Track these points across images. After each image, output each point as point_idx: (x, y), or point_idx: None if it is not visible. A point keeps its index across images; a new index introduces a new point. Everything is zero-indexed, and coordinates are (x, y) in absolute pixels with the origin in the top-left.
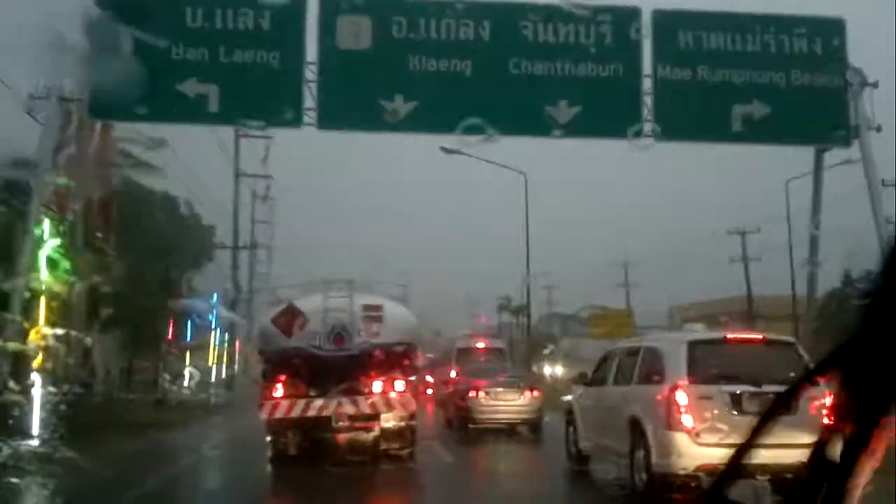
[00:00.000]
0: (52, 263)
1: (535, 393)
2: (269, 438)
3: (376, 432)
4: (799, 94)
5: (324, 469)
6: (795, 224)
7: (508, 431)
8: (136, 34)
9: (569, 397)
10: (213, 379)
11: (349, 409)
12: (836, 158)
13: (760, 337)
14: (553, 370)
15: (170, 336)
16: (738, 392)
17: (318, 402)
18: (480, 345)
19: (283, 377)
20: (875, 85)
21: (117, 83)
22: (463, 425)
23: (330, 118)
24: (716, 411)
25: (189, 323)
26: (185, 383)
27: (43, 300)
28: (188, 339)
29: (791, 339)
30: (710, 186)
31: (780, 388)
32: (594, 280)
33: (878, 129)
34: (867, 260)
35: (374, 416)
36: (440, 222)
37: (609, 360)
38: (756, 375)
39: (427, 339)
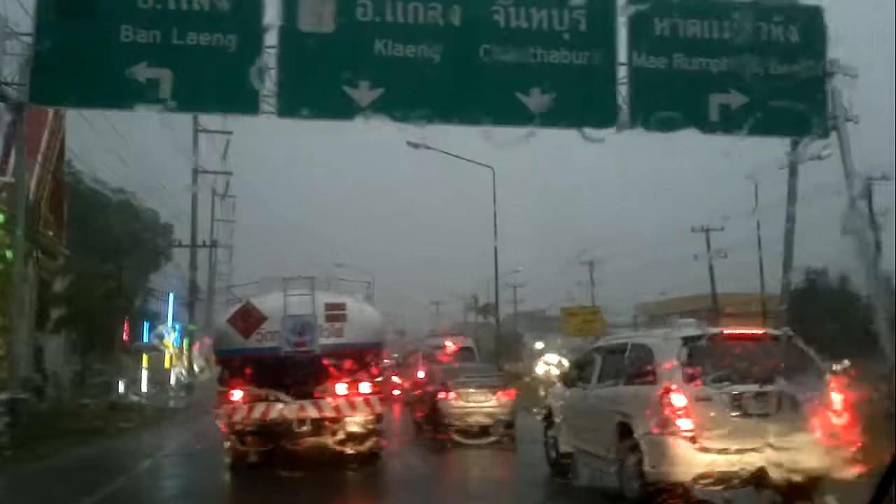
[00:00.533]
0: None
1: (508, 394)
2: (226, 444)
3: (340, 436)
4: (777, 83)
5: (285, 476)
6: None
7: (481, 434)
8: (82, 14)
9: (548, 398)
10: (171, 382)
11: (312, 412)
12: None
13: (760, 332)
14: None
15: (125, 337)
16: (739, 392)
17: (279, 406)
18: (449, 344)
19: (240, 380)
20: (854, 75)
21: (61, 66)
22: (433, 428)
23: (290, 105)
24: (715, 414)
25: (145, 324)
26: (142, 387)
27: None
28: (144, 340)
29: (791, 332)
30: (678, 181)
31: (784, 387)
32: (559, 278)
33: (855, 120)
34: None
35: (338, 420)
36: (405, 219)
37: (592, 357)
38: (757, 374)
39: (391, 338)
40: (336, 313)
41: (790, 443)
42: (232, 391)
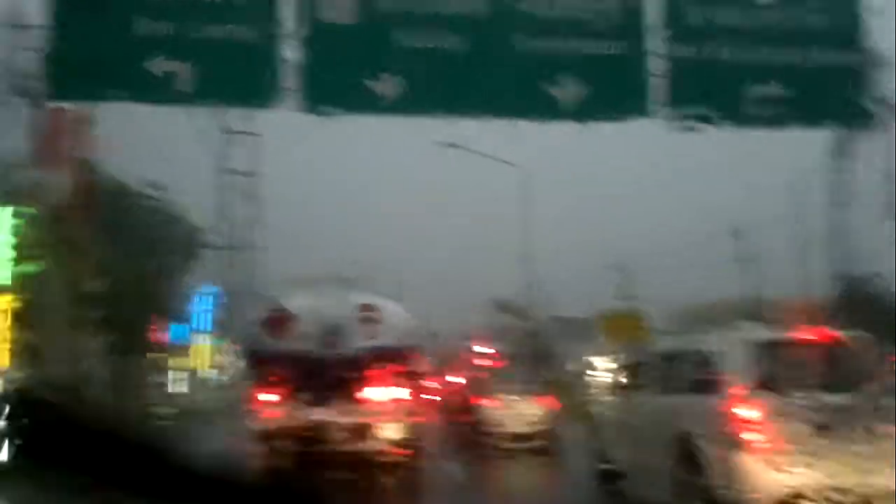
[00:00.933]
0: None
1: (552, 401)
2: (255, 449)
3: (375, 443)
4: (818, 73)
5: (314, 485)
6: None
7: (523, 443)
8: (97, 6)
9: (595, 407)
10: (207, 382)
11: (345, 417)
12: None
13: (836, 335)
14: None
15: (158, 338)
16: (819, 403)
17: (311, 410)
18: (485, 349)
19: (270, 382)
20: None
21: (77, 61)
22: (471, 437)
23: (312, 99)
24: (792, 427)
25: (179, 325)
26: (178, 387)
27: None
28: (181, 340)
29: (869, 335)
30: (710, 179)
31: (871, 398)
32: (592, 281)
33: None
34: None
35: (372, 426)
36: (434, 220)
37: (646, 363)
38: (835, 382)
39: (425, 341)
40: (369, 315)
41: (884, 463)
42: (259, 395)
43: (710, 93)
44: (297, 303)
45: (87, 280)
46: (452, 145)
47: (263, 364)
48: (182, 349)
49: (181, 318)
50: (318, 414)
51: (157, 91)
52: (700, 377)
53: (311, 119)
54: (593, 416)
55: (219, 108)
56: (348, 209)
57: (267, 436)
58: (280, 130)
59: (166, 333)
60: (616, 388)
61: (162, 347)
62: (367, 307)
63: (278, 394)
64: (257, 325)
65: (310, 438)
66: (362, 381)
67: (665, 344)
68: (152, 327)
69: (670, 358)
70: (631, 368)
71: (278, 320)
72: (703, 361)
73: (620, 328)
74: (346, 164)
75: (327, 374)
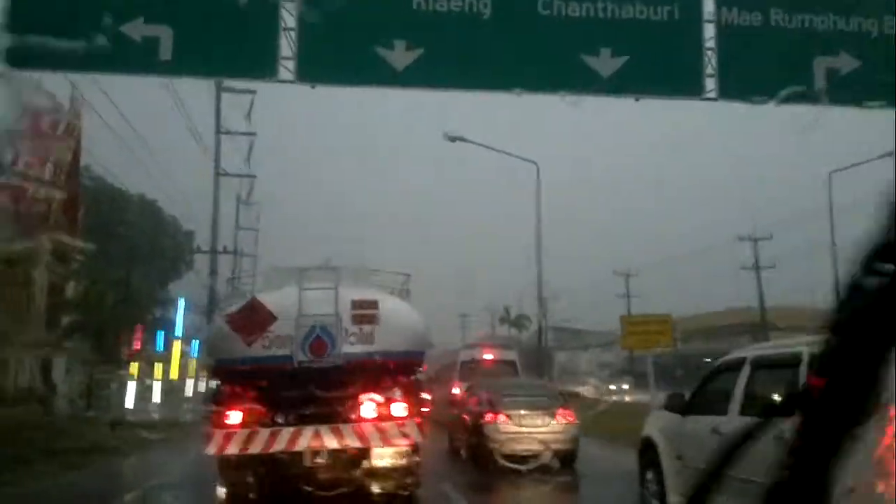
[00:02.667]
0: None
1: (569, 416)
2: (220, 481)
3: (366, 472)
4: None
5: None
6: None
7: (535, 465)
8: None
9: (649, 429)
10: (185, 394)
11: (330, 441)
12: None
13: None
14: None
15: (136, 347)
16: None
17: (288, 433)
18: (489, 356)
19: (240, 398)
20: None
21: (41, 23)
22: (477, 456)
23: (311, 69)
24: None
25: (160, 333)
26: (152, 399)
27: None
28: (159, 349)
29: None
30: (729, 183)
31: None
32: (595, 290)
33: None
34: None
35: (364, 451)
36: (431, 224)
37: (729, 375)
38: None
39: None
40: (365, 313)
41: None
42: (227, 413)
43: (770, 66)
44: (276, 298)
45: (68, 285)
46: (461, 139)
47: (231, 374)
48: (163, 358)
49: (163, 325)
50: (298, 437)
51: (134, 59)
52: None
53: (312, 93)
54: (648, 439)
55: (204, 77)
56: (345, 211)
57: (233, 465)
58: (276, 106)
59: (146, 342)
60: (683, 404)
61: (141, 357)
62: (362, 304)
63: (249, 413)
64: (226, 325)
65: (286, 468)
66: (354, 396)
67: (765, 348)
68: (133, 336)
69: (774, 366)
70: (711, 379)
71: (250, 320)
72: None
73: (643, 334)
74: (344, 163)
75: (311, 386)
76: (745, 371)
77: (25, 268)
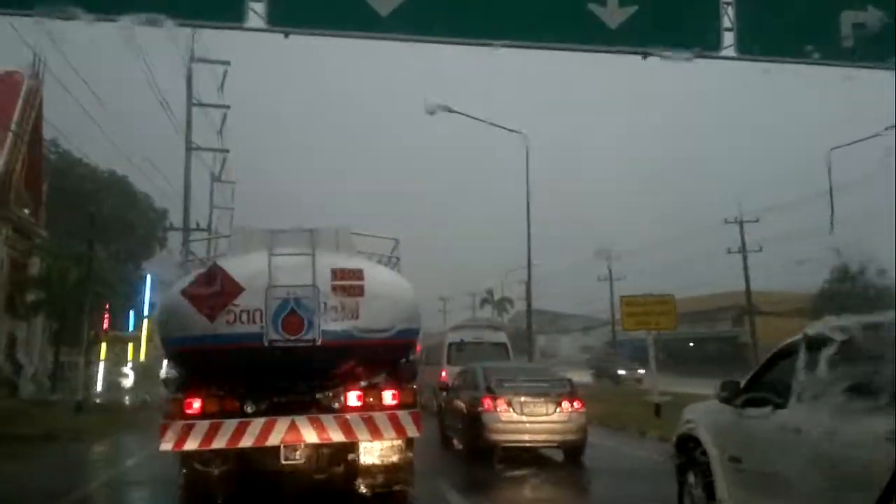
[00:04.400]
0: None
1: (577, 404)
2: (181, 478)
3: (350, 470)
4: None
5: None
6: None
7: (539, 458)
8: None
9: (688, 421)
10: (159, 378)
11: (308, 434)
12: None
13: None
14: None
15: (105, 327)
16: None
17: (259, 425)
18: (478, 337)
19: (201, 384)
20: None
21: None
22: (473, 448)
23: (284, 12)
24: None
25: (130, 313)
26: (122, 381)
27: None
28: (128, 329)
29: None
30: (724, 161)
31: None
32: (575, 272)
33: None
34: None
35: (349, 447)
36: (412, 198)
37: (793, 359)
38: None
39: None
40: (349, 284)
41: None
42: (186, 401)
43: (793, 19)
44: (242, 265)
45: (29, 261)
46: (445, 109)
47: (190, 356)
48: (131, 338)
49: (134, 305)
50: (270, 429)
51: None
52: None
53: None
54: (689, 433)
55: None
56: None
57: (197, 462)
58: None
59: (116, 322)
60: (736, 393)
61: (109, 337)
62: (345, 273)
63: (211, 400)
64: (182, 298)
65: (256, 465)
66: (336, 382)
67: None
68: (100, 315)
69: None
70: (774, 363)
71: (214, 290)
72: None
73: (643, 315)
74: (323, 135)
75: (284, 371)
76: (812, 354)
77: None
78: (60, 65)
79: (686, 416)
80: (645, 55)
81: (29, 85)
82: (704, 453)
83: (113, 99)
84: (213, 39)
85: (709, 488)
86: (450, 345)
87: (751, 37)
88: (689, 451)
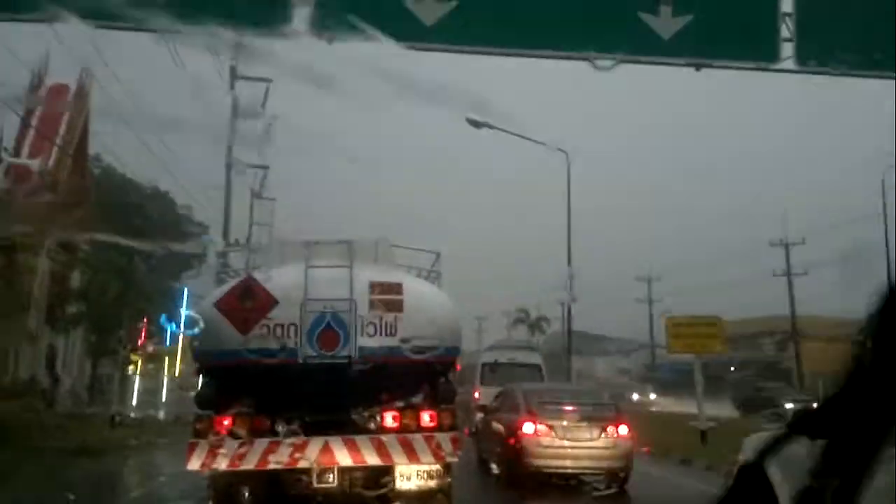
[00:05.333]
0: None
1: (623, 429)
2: (210, 500)
3: (385, 494)
4: None
5: None
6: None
7: (580, 486)
8: None
9: (752, 452)
10: (190, 391)
11: (342, 456)
12: None
13: None
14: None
15: (140, 341)
16: None
17: (290, 446)
18: (512, 358)
19: (231, 400)
20: None
21: None
22: (512, 474)
23: (329, 17)
24: None
25: (167, 327)
26: (160, 396)
27: None
28: (165, 343)
29: None
30: (766, 181)
31: None
32: (615, 294)
33: None
34: None
35: (385, 471)
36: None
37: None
38: None
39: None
40: (387, 298)
41: None
42: (216, 419)
43: (857, 27)
44: (277, 278)
45: (68, 274)
46: (486, 125)
47: (222, 372)
48: (171, 353)
49: (172, 319)
50: (302, 450)
51: (120, 13)
52: None
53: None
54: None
55: (199, 29)
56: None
57: (225, 484)
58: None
59: (154, 336)
60: (806, 426)
61: (146, 351)
62: (384, 287)
63: (241, 420)
64: (216, 311)
65: (287, 488)
66: (372, 401)
67: None
68: (138, 329)
69: None
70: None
71: (249, 303)
72: None
73: (691, 337)
74: (363, 110)
75: (318, 389)
76: None
77: (28, 255)
78: (106, 80)
79: (749, 447)
80: (698, 67)
81: (75, 98)
82: (770, 488)
83: (155, 114)
84: (253, 56)
85: None
86: (483, 365)
87: (811, 47)
88: (751, 486)
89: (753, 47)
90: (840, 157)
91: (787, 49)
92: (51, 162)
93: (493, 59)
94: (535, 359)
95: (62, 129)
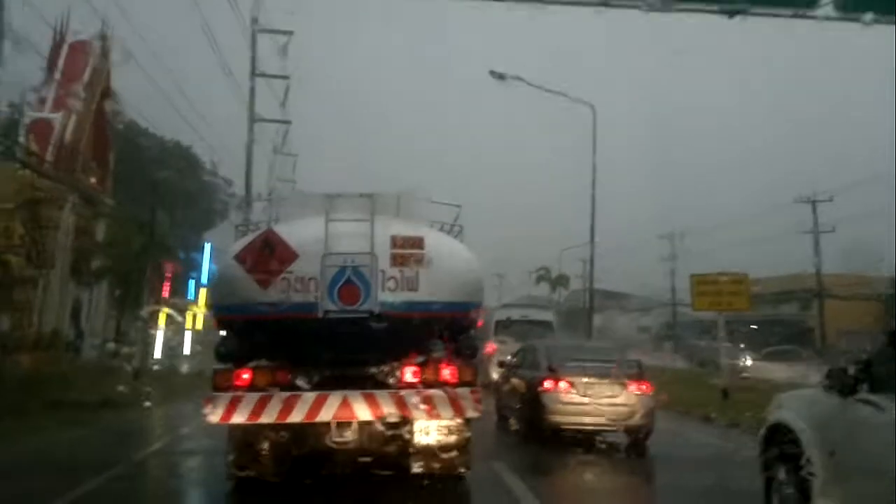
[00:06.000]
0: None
1: (645, 387)
2: (229, 456)
3: (406, 450)
4: None
5: None
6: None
7: (601, 443)
8: None
9: (783, 412)
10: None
11: (361, 410)
12: None
13: None
14: None
15: (164, 294)
16: None
17: (310, 399)
18: (525, 315)
19: (251, 355)
20: None
21: None
22: (531, 430)
23: None
24: None
25: (190, 281)
26: (182, 349)
27: None
28: (188, 297)
29: None
30: (802, 137)
31: None
32: (636, 252)
33: None
34: None
35: (404, 424)
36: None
37: None
38: None
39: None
40: (409, 253)
41: None
42: (235, 372)
43: None
44: (297, 231)
45: (95, 228)
46: (513, 77)
47: (241, 326)
48: (188, 306)
49: (194, 273)
50: (321, 404)
51: None
52: None
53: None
54: (779, 424)
55: None
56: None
57: (244, 437)
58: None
59: (177, 289)
60: (845, 382)
61: (169, 304)
62: (405, 241)
63: (261, 373)
64: (234, 264)
65: (306, 442)
66: (393, 357)
67: None
68: (161, 282)
69: None
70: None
71: (268, 256)
72: None
73: (716, 294)
74: (385, 101)
75: (338, 343)
76: None
77: (52, 209)
78: (127, 35)
79: (779, 404)
80: (732, 14)
81: (97, 54)
82: (799, 446)
83: (177, 69)
84: (273, 7)
85: (802, 486)
86: (497, 322)
87: None
88: (779, 444)
89: None
90: (874, 112)
91: None
92: (73, 117)
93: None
94: (546, 316)
95: (84, 84)
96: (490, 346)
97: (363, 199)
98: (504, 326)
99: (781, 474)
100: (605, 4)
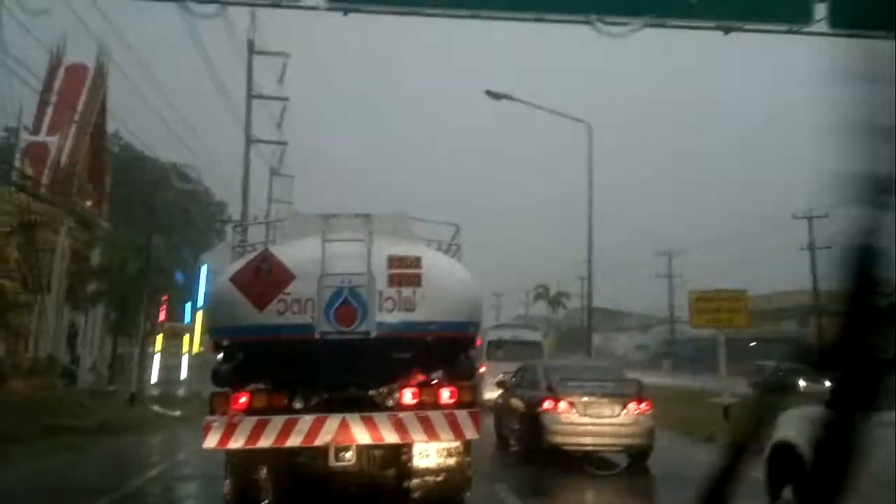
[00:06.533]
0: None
1: (644, 406)
2: (227, 481)
3: (404, 472)
4: None
5: None
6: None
7: (602, 462)
8: None
9: (788, 430)
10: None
11: (360, 433)
12: None
13: None
14: None
15: (161, 318)
16: None
17: (308, 423)
18: (515, 336)
19: (248, 378)
20: None
21: None
22: (531, 450)
23: None
24: None
25: (186, 304)
26: (179, 373)
27: None
28: (185, 321)
29: None
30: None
31: None
32: (633, 270)
33: None
34: None
35: (403, 448)
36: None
37: None
38: None
39: None
40: (406, 272)
41: None
42: (232, 396)
43: None
44: (294, 252)
45: (91, 252)
46: (505, 97)
47: (237, 348)
48: (190, 330)
49: (191, 296)
50: (322, 429)
51: None
52: None
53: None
54: (782, 443)
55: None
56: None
57: (242, 461)
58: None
59: (170, 313)
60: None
61: (165, 328)
62: (402, 261)
63: (258, 396)
64: (231, 286)
65: (304, 466)
66: (390, 378)
67: None
68: (158, 306)
69: None
70: None
71: (265, 278)
72: None
73: (714, 311)
74: (383, 84)
75: (336, 365)
76: None
77: (48, 233)
78: (124, 58)
79: (784, 423)
80: (727, 30)
81: (94, 77)
82: (805, 466)
83: (174, 92)
84: (269, 28)
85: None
86: (489, 342)
87: (845, 6)
88: (785, 462)
89: (784, 9)
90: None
91: (820, 10)
92: (69, 140)
93: (514, 35)
94: (535, 336)
95: (80, 107)
96: (483, 367)
97: (360, 219)
98: (496, 347)
99: (788, 494)
100: (601, 21)
